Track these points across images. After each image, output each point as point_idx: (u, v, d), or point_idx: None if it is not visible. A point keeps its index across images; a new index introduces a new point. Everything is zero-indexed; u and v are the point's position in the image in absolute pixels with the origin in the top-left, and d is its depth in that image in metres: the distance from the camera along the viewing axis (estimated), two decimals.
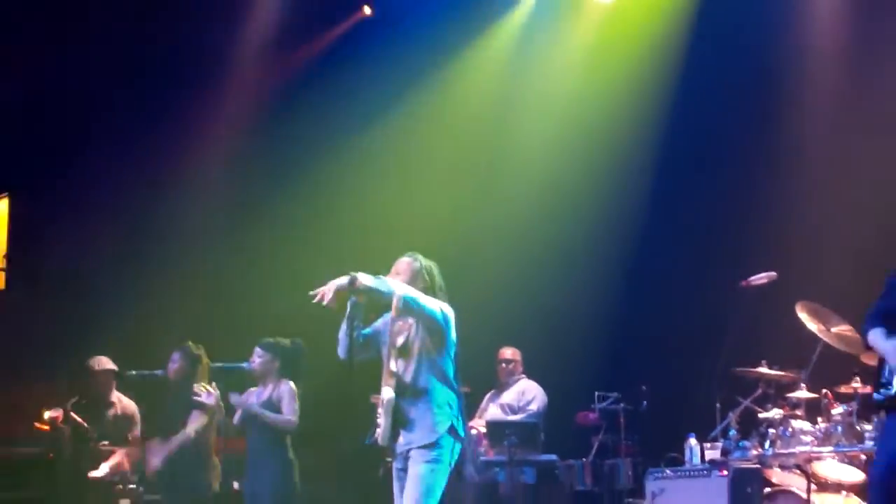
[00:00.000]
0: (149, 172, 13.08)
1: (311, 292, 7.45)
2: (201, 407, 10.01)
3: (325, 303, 7.36)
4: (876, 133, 11.00)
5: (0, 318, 13.75)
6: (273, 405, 9.67)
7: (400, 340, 7.59)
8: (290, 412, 9.61)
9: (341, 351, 7.62)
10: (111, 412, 10.89)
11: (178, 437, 10.03)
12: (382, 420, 7.44)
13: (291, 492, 9.60)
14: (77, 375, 11.06)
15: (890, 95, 11.03)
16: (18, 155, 13.45)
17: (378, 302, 7.71)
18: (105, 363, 10.87)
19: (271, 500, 9.53)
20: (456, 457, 7.59)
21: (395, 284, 7.47)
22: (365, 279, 7.40)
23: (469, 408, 11.31)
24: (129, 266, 13.24)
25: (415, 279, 7.68)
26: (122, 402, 10.92)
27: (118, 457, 10.73)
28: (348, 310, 7.56)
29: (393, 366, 7.51)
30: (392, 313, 7.54)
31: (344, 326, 7.60)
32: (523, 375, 11.64)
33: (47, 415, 10.85)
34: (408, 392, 7.48)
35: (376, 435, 7.46)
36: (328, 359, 7.99)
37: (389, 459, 7.71)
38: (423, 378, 7.51)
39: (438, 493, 7.43)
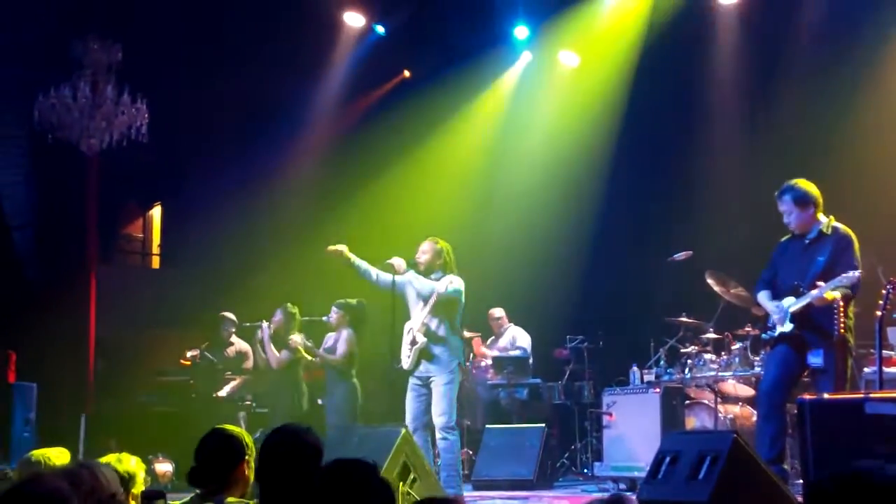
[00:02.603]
0: (254, 188, 13.08)
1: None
2: (293, 350, 9.99)
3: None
4: (769, 146, 10.94)
5: (156, 289, 13.82)
6: (333, 348, 9.67)
7: (431, 302, 7.73)
8: (340, 353, 9.55)
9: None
10: (231, 350, 10.90)
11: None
12: (411, 354, 7.70)
13: (355, 405, 9.60)
14: (209, 325, 11.08)
15: (777, 118, 10.96)
16: (167, 177, 13.49)
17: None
18: (226, 314, 10.89)
19: (343, 412, 9.52)
20: (459, 379, 7.88)
21: (422, 283, 7.93)
22: (406, 275, 7.98)
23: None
24: (242, 251, 13.24)
25: (436, 256, 7.93)
26: (239, 342, 10.92)
27: (237, 382, 10.74)
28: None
29: (426, 319, 7.72)
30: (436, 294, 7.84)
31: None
32: (510, 325, 11.59)
33: (188, 353, 10.86)
34: (432, 338, 7.74)
35: (403, 363, 7.80)
36: (384, 315, 8.10)
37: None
38: (443, 328, 7.76)
39: (455, 405, 7.88)
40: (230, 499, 3.89)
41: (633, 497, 5.65)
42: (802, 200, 6.83)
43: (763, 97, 11.17)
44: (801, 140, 10.53)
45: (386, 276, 7.98)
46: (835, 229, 6.80)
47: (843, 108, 10.29)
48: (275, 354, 9.80)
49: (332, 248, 8.07)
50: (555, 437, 10.38)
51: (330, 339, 9.80)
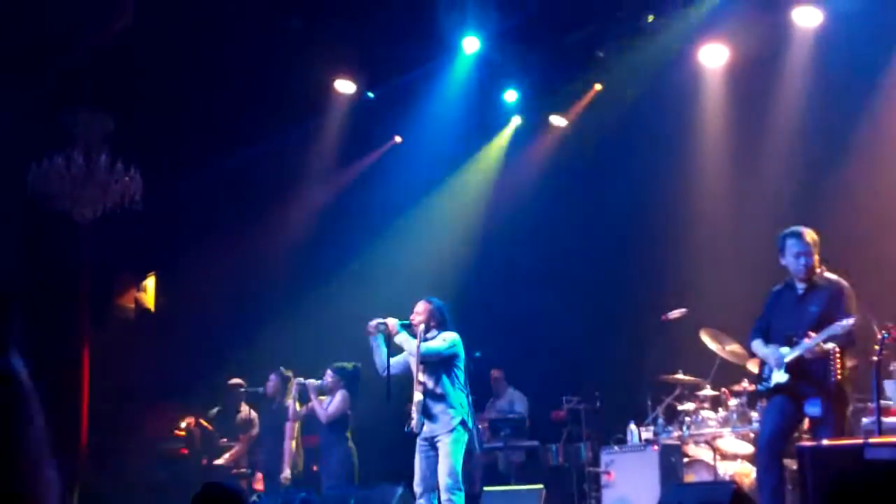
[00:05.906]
0: (248, 255, 13.09)
1: (374, 321, 7.82)
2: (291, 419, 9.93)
3: (373, 324, 7.85)
4: (760, 203, 10.99)
5: (150, 359, 13.76)
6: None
7: (418, 360, 7.75)
8: (332, 411, 9.49)
9: (379, 368, 7.82)
10: (240, 416, 10.83)
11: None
12: (415, 415, 7.61)
13: (351, 469, 9.52)
14: (216, 391, 11.03)
15: (767, 174, 11.04)
16: (160, 248, 13.50)
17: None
18: (235, 381, 10.86)
19: (339, 476, 9.44)
20: (467, 440, 7.72)
21: (413, 345, 7.79)
22: (399, 338, 7.83)
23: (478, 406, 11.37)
24: (237, 319, 13.21)
25: (431, 316, 7.88)
26: (247, 409, 10.86)
27: (236, 449, 10.66)
28: (381, 342, 7.77)
29: (421, 377, 7.68)
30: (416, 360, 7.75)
31: (380, 352, 7.78)
32: (509, 387, 11.59)
33: (184, 423, 10.81)
34: (431, 395, 7.68)
35: (412, 425, 7.63)
36: (377, 378, 8.08)
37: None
38: (441, 386, 7.71)
39: (460, 465, 7.80)
40: None
41: None
42: (816, 245, 6.86)
43: (752, 154, 11.26)
44: (791, 195, 10.60)
45: (399, 359, 8.02)
46: (828, 279, 6.83)
47: (833, 162, 10.38)
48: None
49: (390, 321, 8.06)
50: (553, 499, 10.28)
51: (325, 403, 9.75)
